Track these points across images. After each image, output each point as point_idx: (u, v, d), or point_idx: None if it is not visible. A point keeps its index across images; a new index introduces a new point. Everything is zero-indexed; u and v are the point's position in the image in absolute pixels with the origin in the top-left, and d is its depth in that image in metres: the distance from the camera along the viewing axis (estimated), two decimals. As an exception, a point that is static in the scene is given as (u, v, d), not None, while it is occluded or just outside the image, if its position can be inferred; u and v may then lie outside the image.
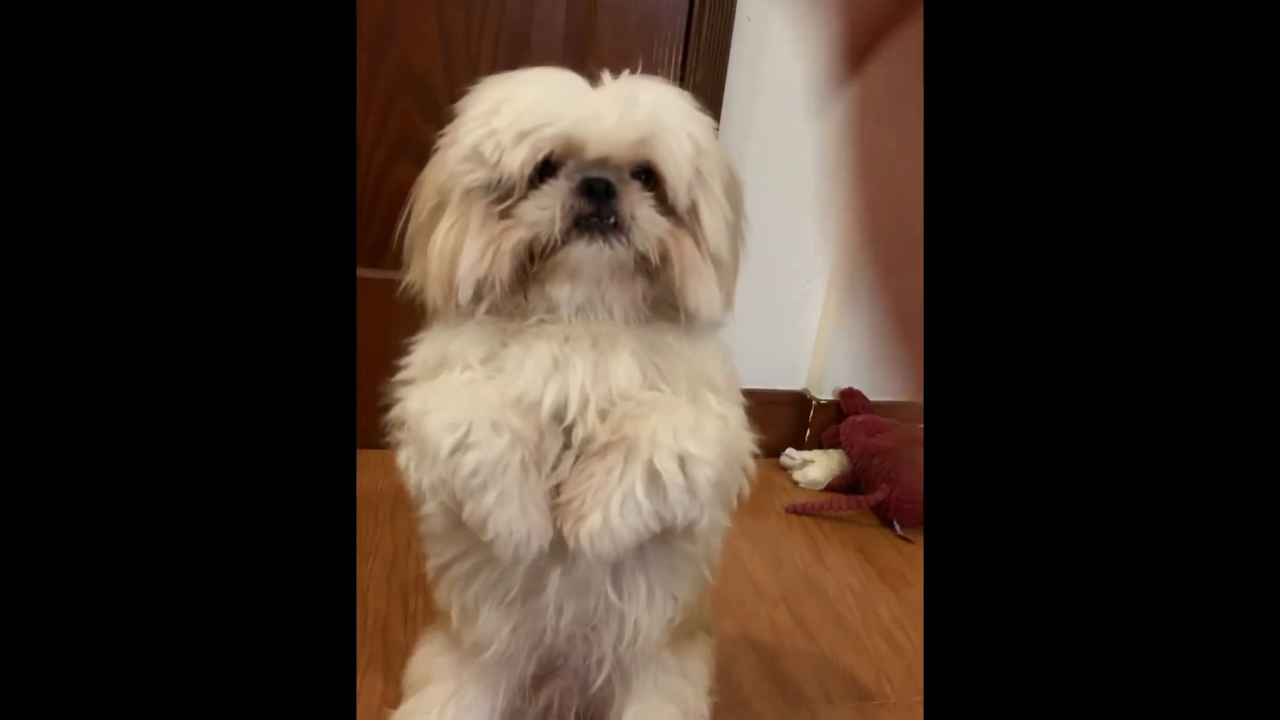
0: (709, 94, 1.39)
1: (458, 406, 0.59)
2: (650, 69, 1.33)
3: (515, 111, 0.61)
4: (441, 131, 0.67)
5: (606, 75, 0.66)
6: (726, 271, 0.67)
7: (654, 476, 0.59)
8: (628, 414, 0.61)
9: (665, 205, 0.63)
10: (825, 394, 1.64)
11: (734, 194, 0.69)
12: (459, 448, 0.58)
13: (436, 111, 1.28)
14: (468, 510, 0.60)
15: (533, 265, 0.63)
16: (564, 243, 0.61)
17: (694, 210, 0.64)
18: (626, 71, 0.67)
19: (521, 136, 0.60)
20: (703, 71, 1.38)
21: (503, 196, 0.62)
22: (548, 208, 0.61)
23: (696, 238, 0.64)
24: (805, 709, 1.01)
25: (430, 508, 0.63)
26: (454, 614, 0.72)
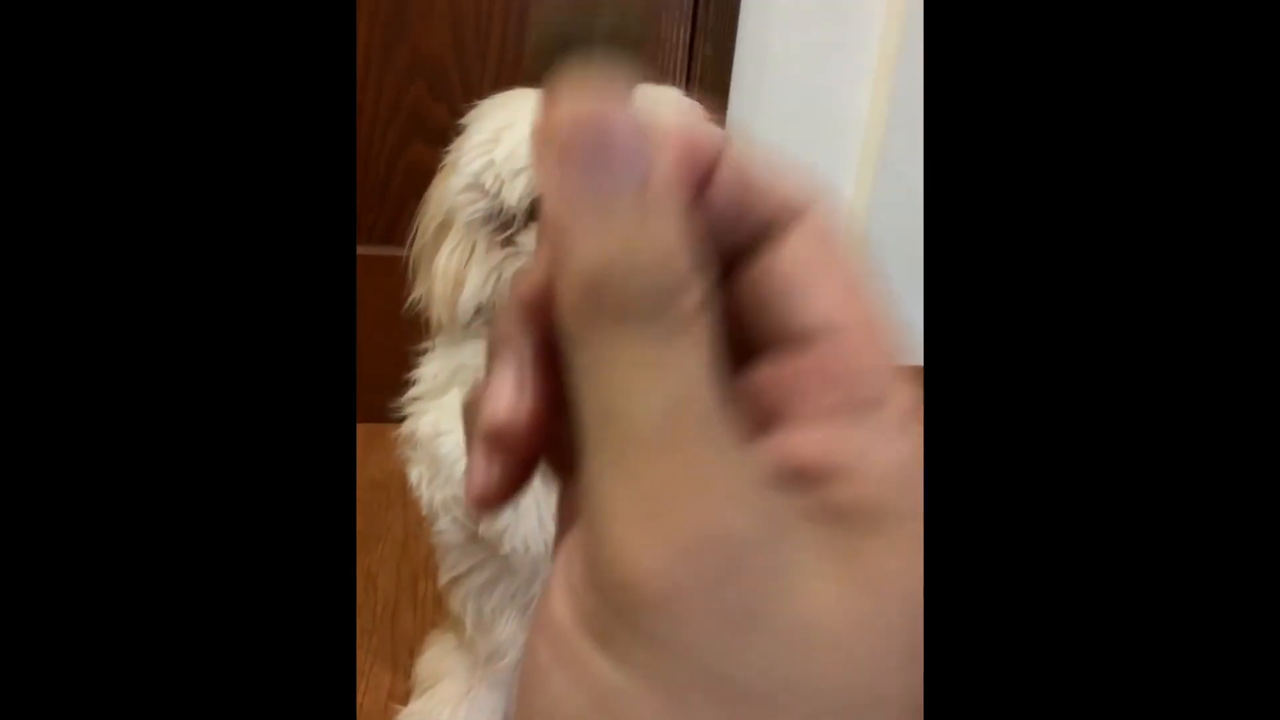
0: (717, 69, 1.38)
1: None
2: (658, 46, 1.33)
3: (514, 142, 0.61)
4: (447, 149, 0.68)
5: None
6: None
7: None
8: None
9: None
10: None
11: None
12: None
13: (448, 94, 1.28)
14: (484, 525, 0.61)
15: None
16: None
17: None
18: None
19: (520, 171, 0.61)
20: (711, 46, 1.36)
21: (505, 225, 0.64)
22: None
23: None
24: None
25: (444, 524, 0.65)
26: (468, 623, 0.72)
